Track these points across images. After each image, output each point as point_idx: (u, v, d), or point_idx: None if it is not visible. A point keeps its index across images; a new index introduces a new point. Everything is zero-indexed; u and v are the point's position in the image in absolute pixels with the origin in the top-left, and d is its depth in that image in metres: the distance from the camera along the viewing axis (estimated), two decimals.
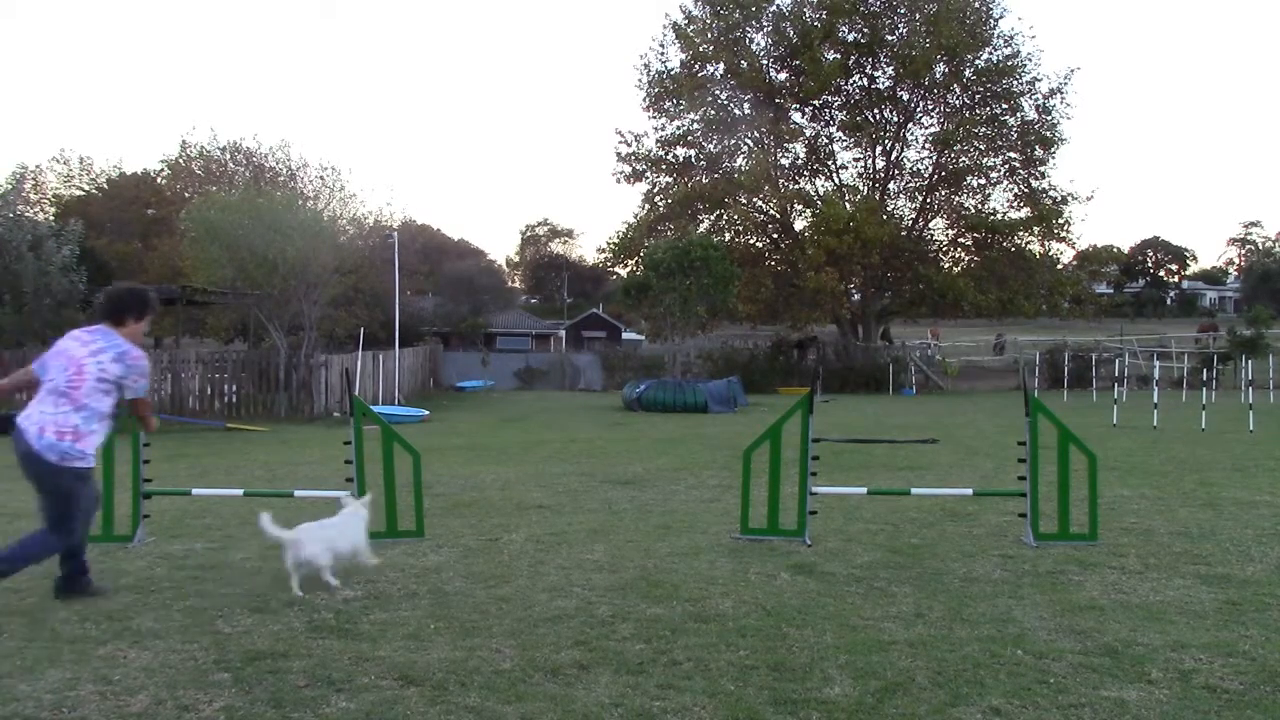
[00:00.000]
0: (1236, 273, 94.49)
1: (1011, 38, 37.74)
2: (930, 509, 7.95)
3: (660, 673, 4.01)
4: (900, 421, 19.23)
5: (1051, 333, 48.48)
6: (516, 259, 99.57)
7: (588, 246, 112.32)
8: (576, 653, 4.26)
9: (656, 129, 40.69)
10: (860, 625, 4.69)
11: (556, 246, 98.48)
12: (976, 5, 37.22)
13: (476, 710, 3.61)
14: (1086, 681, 3.90)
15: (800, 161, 40.78)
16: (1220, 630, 4.58)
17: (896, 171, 40.20)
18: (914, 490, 7.83)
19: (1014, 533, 6.87)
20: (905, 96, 39.31)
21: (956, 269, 39.69)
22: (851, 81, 39.24)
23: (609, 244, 40.97)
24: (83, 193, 45.63)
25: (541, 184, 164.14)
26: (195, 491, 7.70)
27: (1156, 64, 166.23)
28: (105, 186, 46.72)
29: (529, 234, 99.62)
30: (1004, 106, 38.09)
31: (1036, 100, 37.86)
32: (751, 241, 40.79)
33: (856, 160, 41.01)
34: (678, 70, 39.19)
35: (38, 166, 43.34)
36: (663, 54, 39.74)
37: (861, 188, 40.03)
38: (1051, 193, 38.12)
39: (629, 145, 40.20)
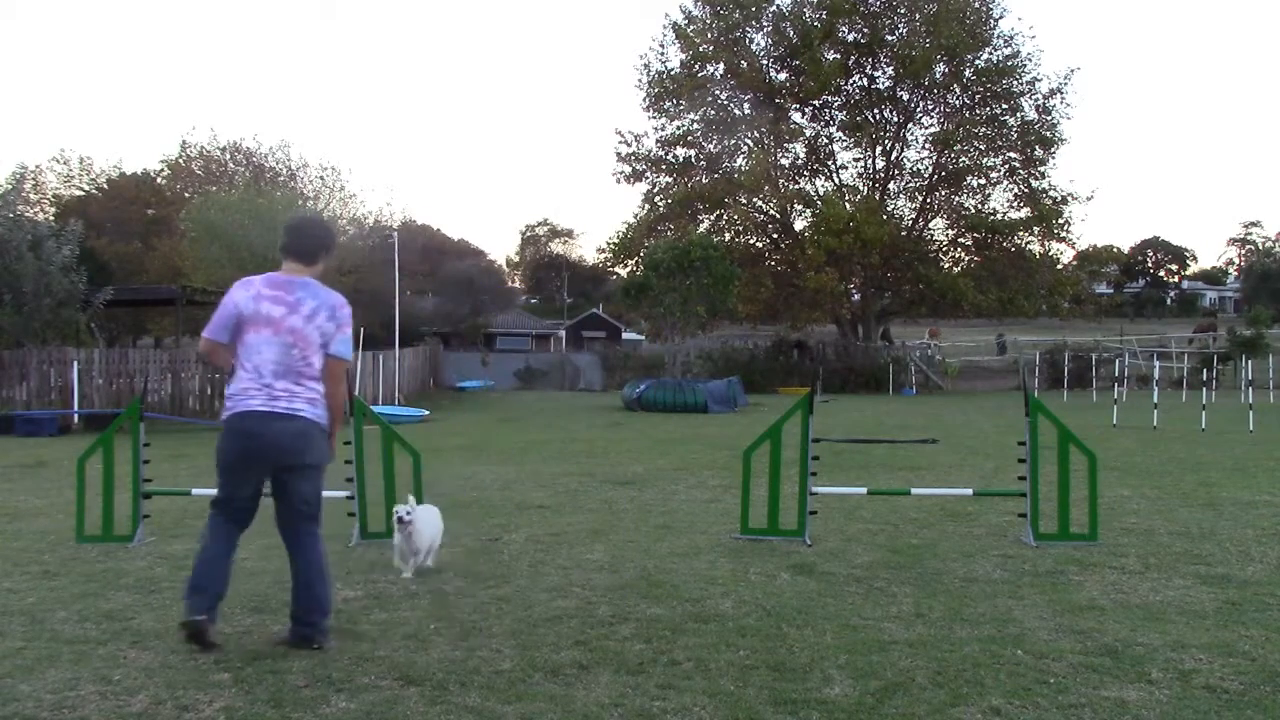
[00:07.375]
0: (1236, 273, 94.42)
1: (1011, 38, 37.85)
2: (930, 509, 7.94)
3: (660, 673, 4.00)
4: (900, 421, 19.22)
5: (1051, 333, 48.48)
6: (516, 259, 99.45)
7: (588, 246, 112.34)
8: (576, 653, 4.26)
9: (656, 129, 40.78)
10: (860, 625, 4.69)
11: (556, 246, 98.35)
12: (976, 5, 37.23)
13: (476, 710, 3.61)
14: (1086, 681, 3.90)
15: (800, 161, 40.82)
16: (1220, 630, 4.58)
17: (896, 171, 40.25)
18: (914, 490, 7.83)
19: (1014, 533, 6.86)
20: (905, 96, 39.33)
21: (956, 269, 39.71)
22: (851, 81, 39.25)
23: (609, 244, 41.02)
24: (83, 193, 45.55)
25: (541, 184, 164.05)
26: (195, 491, 7.67)
27: (1156, 64, 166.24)
28: (105, 186, 46.67)
29: (529, 234, 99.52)
30: (1004, 106, 38.12)
31: (1036, 100, 37.93)
32: (751, 241, 40.81)
33: (856, 160, 41.09)
34: (678, 70, 39.17)
35: (38, 166, 43.31)
36: (663, 54, 39.79)
37: (861, 188, 40.06)
38: (1051, 193, 38.15)
39: (629, 145, 40.25)
